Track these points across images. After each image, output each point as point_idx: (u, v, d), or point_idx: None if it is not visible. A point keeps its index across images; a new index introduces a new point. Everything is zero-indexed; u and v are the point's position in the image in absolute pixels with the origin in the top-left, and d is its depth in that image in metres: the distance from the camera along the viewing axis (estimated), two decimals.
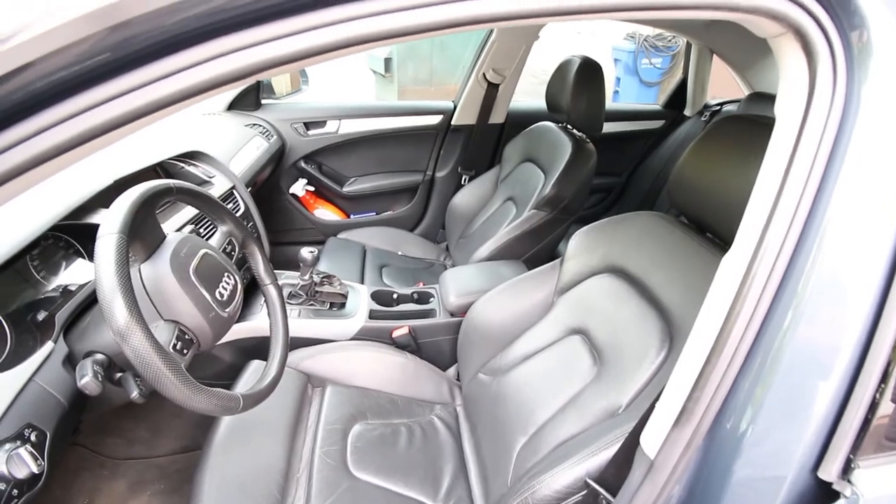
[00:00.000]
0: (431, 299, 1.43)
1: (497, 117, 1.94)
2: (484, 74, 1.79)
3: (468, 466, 1.11)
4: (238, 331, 1.20)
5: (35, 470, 0.55)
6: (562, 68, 1.52)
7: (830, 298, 0.42)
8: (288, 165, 1.87)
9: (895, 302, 0.39)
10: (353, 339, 1.27)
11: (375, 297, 1.39)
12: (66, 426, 0.66)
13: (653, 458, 0.50)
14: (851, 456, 0.41)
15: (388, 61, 5.90)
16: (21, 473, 0.54)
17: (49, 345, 0.68)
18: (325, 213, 2.03)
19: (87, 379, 0.61)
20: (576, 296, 1.08)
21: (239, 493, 0.86)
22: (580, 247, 1.12)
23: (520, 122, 1.86)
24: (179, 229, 1.01)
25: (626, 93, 5.12)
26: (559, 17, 0.38)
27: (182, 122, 1.51)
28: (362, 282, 1.63)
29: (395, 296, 1.42)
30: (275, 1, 0.31)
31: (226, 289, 0.77)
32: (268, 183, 1.81)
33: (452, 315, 1.35)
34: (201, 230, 1.07)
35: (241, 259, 0.98)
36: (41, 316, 0.70)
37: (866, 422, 0.40)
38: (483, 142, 1.97)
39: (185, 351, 0.67)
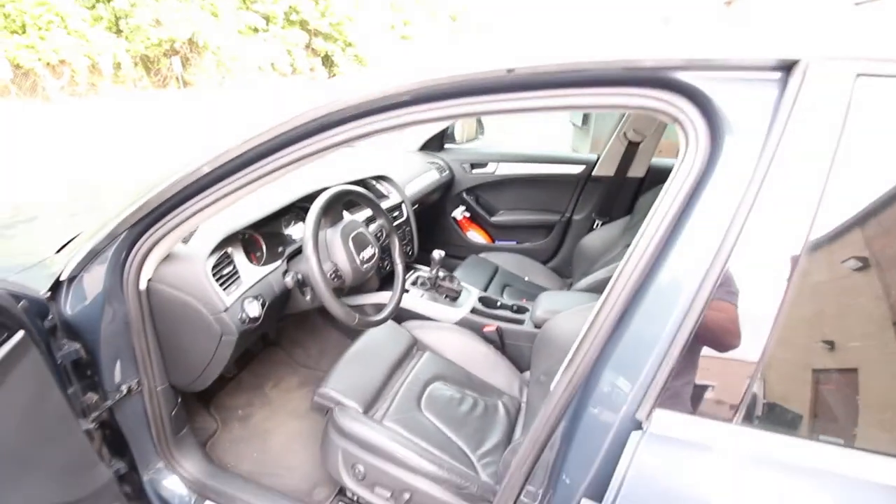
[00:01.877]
0: (526, 312, 1.71)
1: (637, 171, 2.09)
2: (625, 133, 1.99)
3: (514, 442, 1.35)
4: (381, 296, 1.73)
5: (258, 313, 1.12)
6: None
7: (662, 302, 0.61)
8: (454, 195, 2.41)
9: (693, 308, 0.58)
10: (455, 324, 1.65)
11: (483, 300, 1.75)
12: (274, 305, 1.24)
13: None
14: (654, 406, 0.59)
15: (586, 115, 6.25)
16: (253, 312, 1.12)
17: (279, 262, 1.29)
18: (476, 235, 2.50)
19: (289, 279, 1.17)
20: None
21: (349, 387, 1.32)
22: None
23: (660, 177, 1.98)
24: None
25: None
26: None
27: (386, 153, 2.20)
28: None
29: (498, 303, 1.76)
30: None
31: (366, 254, 1.27)
32: (437, 205, 2.38)
33: (536, 327, 1.61)
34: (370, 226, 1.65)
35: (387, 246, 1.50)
36: (279, 248, 1.33)
37: (664, 387, 0.59)
38: (619, 193, 2.14)
39: (335, 279, 1.18)
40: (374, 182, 1.85)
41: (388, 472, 1.14)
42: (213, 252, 1.11)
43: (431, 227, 2.42)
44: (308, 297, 1.26)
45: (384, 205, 1.75)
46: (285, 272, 1.24)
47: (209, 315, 1.08)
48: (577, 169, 2.21)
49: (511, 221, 2.41)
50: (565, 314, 1.45)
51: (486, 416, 1.40)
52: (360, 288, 1.75)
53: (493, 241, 2.48)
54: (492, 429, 1.36)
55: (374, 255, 1.32)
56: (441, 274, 1.73)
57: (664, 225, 0.63)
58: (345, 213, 1.30)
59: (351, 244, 1.24)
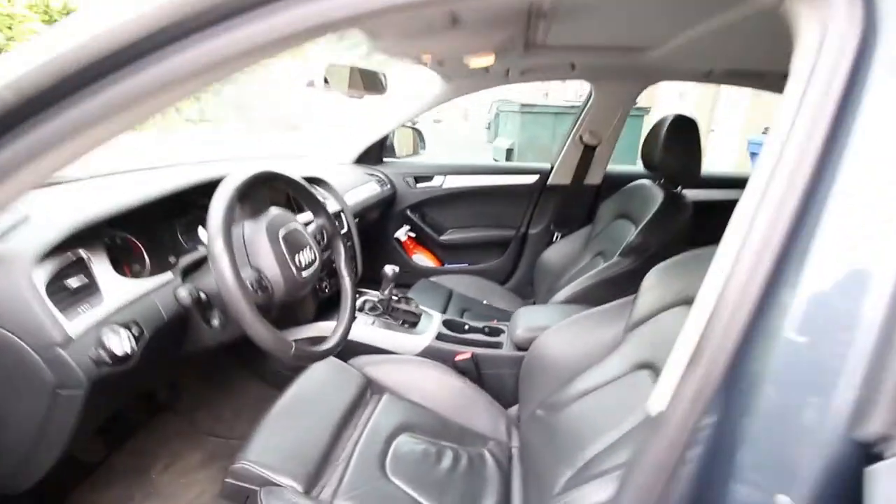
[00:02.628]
0: (501, 334, 1.42)
1: (593, 178, 1.98)
2: (580, 136, 1.88)
3: None
4: (320, 328, 1.34)
5: (127, 351, 0.70)
6: (656, 126, 1.54)
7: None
8: (396, 212, 2.11)
9: None
10: (418, 355, 1.31)
11: (447, 324, 1.43)
12: (160, 339, 0.82)
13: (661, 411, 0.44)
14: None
15: (509, 151, 6.42)
16: (117, 349, 0.70)
17: (169, 274, 0.87)
18: (423, 258, 2.19)
19: (184, 292, 0.77)
20: (647, 330, 1.00)
21: (280, 457, 0.91)
22: (657, 281, 1.05)
23: (617, 183, 1.87)
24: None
25: None
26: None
27: (316, 165, 1.85)
28: None
29: (466, 326, 1.45)
30: None
31: (304, 258, 0.91)
32: (377, 225, 2.06)
33: (518, 349, 1.32)
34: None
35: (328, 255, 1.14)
36: (171, 258, 0.91)
37: None
38: (577, 201, 2.00)
39: (258, 292, 0.81)
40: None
41: None
42: (48, 255, 0.68)
43: (372, 249, 2.07)
44: (215, 323, 0.86)
45: None
46: (179, 287, 0.84)
47: (33, 353, 0.64)
48: (530, 179, 2.04)
49: (462, 240, 2.16)
50: (555, 330, 1.19)
51: (472, 473, 1.05)
52: (290, 318, 1.35)
53: (443, 263, 2.20)
54: (482, 489, 1.02)
55: (314, 260, 0.96)
56: (395, 295, 1.40)
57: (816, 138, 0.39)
58: (272, 207, 0.94)
59: (282, 243, 0.87)
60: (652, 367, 0.92)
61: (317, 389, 1.12)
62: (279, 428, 0.96)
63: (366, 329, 1.34)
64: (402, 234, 2.14)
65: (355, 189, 1.75)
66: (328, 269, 1.30)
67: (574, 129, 1.89)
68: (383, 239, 2.13)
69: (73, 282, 0.72)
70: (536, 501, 0.91)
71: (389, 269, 1.37)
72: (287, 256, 0.87)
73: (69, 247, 0.72)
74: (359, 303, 1.46)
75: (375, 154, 2.09)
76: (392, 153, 2.19)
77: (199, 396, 1.40)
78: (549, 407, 1.07)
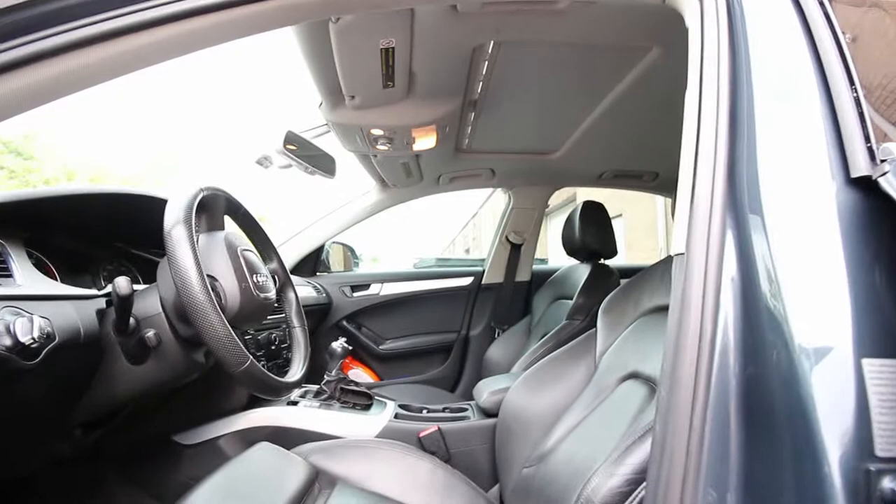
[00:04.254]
0: (465, 411, 1.28)
1: (523, 275, 2.11)
2: (507, 237, 2.07)
3: None
4: (252, 419, 1.10)
5: (33, 337, 0.53)
6: (569, 218, 1.78)
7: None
8: (330, 325, 1.99)
9: None
10: (375, 437, 1.11)
11: (404, 408, 1.27)
12: (70, 352, 0.62)
13: None
14: None
15: None
16: (21, 333, 0.52)
17: (93, 290, 0.72)
18: (359, 373, 2.00)
19: (124, 282, 0.63)
20: (621, 347, 0.99)
21: None
22: (610, 307, 1.09)
23: (544, 278, 2.01)
24: None
25: None
26: None
27: None
28: None
29: (424, 411, 1.29)
30: None
31: (263, 280, 0.83)
32: (312, 336, 1.90)
33: (488, 416, 1.19)
34: None
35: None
36: (89, 276, 0.76)
37: None
38: (513, 297, 2.08)
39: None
40: None
41: None
42: None
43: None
44: (153, 343, 0.69)
45: None
46: (119, 277, 0.67)
47: None
48: (465, 281, 2.12)
49: (402, 348, 2.04)
50: (523, 380, 1.12)
51: None
52: (214, 404, 1.10)
53: (381, 379, 2.02)
54: None
55: (272, 285, 0.86)
56: (342, 378, 1.24)
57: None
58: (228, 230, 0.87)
59: (241, 258, 0.79)
60: (638, 376, 0.89)
61: (249, 477, 0.87)
62: None
63: (309, 413, 1.13)
64: (338, 346, 1.98)
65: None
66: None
67: (500, 231, 2.09)
68: (317, 354, 1.94)
69: None
70: None
71: (338, 346, 1.25)
72: (246, 272, 0.78)
73: None
74: (296, 393, 1.26)
75: (310, 267, 2.06)
76: (326, 269, 2.17)
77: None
78: (537, 459, 0.94)
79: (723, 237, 0.44)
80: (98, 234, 0.89)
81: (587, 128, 1.43)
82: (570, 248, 1.78)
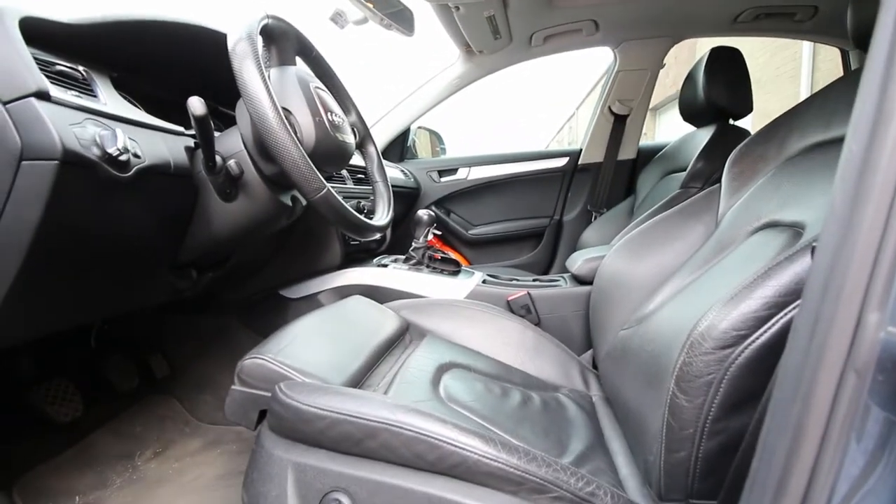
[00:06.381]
0: (556, 282, 1.21)
1: (627, 153, 1.86)
2: (610, 107, 1.80)
3: (609, 445, 0.75)
4: (347, 277, 1.15)
5: (119, 148, 0.55)
6: (689, 75, 1.46)
7: None
8: (420, 209, 1.99)
9: None
10: (465, 298, 1.10)
11: (492, 276, 1.24)
12: (161, 179, 0.66)
13: None
14: None
15: None
16: (109, 145, 0.54)
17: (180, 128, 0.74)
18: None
19: (198, 102, 0.62)
20: (752, 197, 0.81)
21: (304, 357, 0.69)
22: (746, 155, 0.88)
23: (652, 155, 1.75)
24: None
25: None
26: None
27: None
28: None
29: (513, 280, 1.25)
30: None
31: (338, 119, 0.78)
32: (399, 223, 1.93)
33: (582, 283, 1.11)
34: None
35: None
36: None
37: None
38: (614, 179, 1.87)
39: None
40: None
41: (413, 491, 0.49)
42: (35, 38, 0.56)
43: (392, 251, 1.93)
44: (235, 172, 0.70)
45: None
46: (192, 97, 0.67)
47: None
48: (560, 162, 1.94)
49: (492, 234, 1.99)
50: (623, 244, 0.99)
51: (549, 413, 0.81)
52: (313, 257, 1.17)
53: (471, 264, 2.02)
54: (567, 429, 0.77)
55: (345, 127, 0.82)
56: (430, 247, 1.23)
57: None
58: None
59: (315, 94, 0.75)
60: (777, 224, 0.71)
61: (348, 315, 0.92)
62: (302, 339, 0.75)
63: (399, 275, 1.15)
64: (424, 213, 1.99)
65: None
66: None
67: (601, 102, 1.82)
68: (405, 239, 1.98)
69: (64, 69, 0.59)
70: (640, 425, 0.66)
71: (424, 213, 1.22)
72: (320, 107, 0.74)
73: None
74: (387, 259, 1.29)
75: (398, 152, 2.03)
76: (413, 155, 2.13)
77: (203, 376, 1.18)
78: (636, 322, 0.85)
79: None
80: (185, 87, 0.90)
81: None
82: (690, 111, 1.49)
